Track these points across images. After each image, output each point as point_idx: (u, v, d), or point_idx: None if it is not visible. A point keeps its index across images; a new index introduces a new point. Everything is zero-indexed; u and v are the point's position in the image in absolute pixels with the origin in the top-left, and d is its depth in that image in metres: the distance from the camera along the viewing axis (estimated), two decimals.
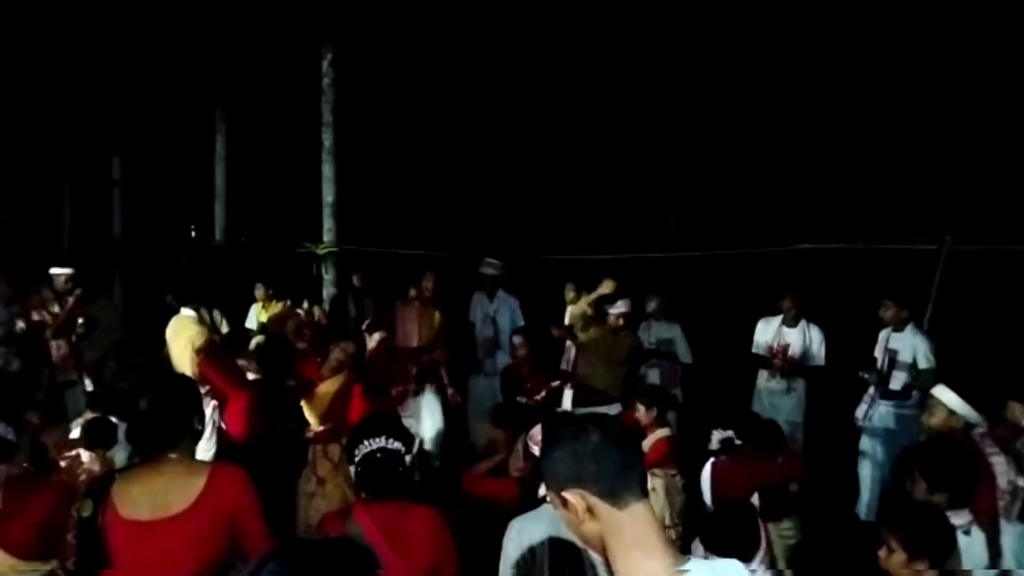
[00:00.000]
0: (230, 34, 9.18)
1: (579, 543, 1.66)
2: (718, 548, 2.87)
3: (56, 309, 6.95)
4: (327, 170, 8.54)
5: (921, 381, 5.73)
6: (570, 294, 7.74)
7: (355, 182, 9.37)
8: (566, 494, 1.58)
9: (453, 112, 11.31)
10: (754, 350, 6.93)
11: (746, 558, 2.88)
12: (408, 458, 2.95)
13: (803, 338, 6.66)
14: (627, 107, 11.30)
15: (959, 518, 3.01)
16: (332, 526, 2.85)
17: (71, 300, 6.95)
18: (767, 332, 6.84)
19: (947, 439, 3.50)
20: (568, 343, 7.30)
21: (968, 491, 3.13)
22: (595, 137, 11.88)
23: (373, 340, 5.64)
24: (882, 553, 2.71)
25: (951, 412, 3.64)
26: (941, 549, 2.68)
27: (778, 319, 6.82)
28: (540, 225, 12.05)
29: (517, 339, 6.74)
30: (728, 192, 11.92)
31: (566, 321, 7.46)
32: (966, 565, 2.85)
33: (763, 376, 6.81)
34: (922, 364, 5.92)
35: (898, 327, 6.12)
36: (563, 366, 7.23)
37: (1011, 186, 8.85)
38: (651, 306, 7.75)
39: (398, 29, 9.62)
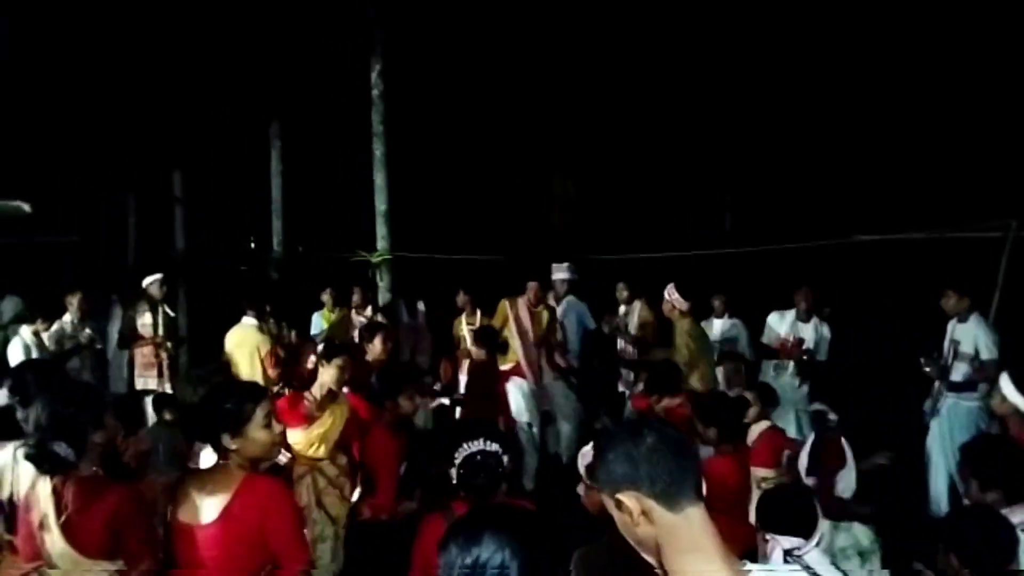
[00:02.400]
0: (282, 50, 9.38)
1: (633, 546, 1.65)
2: (772, 524, 2.86)
3: (148, 320, 7.23)
4: (379, 179, 8.65)
5: (985, 372, 5.61)
6: (623, 294, 7.73)
7: (407, 190, 9.48)
8: (621, 496, 1.58)
9: (503, 116, 11.35)
10: (764, 340, 6.93)
11: (804, 534, 2.86)
12: (506, 459, 2.99)
13: (815, 334, 6.72)
14: (679, 107, 11.21)
15: (1016, 516, 2.93)
16: (434, 529, 2.89)
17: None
18: (781, 325, 6.84)
19: (1002, 435, 3.43)
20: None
21: (1017, 491, 3.03)
22: (647, 138, 11.81)
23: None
24: (939, 557, 2.67)
25: (1004, 399, 3.61)
26: (997, 559, 2.60)
27: (792, 313, 6.83)
28: (592, 226, 12.03)
29: None
30: (783, 187, 11.73)
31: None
32: None
33: (770, 368, 6.81)
34: (984, 355, 5.76)
35: (962, 317, 5.95)
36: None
37: None
38: (716, 304, 7.70)
39: (445, 38, 9.71)
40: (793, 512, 2.93)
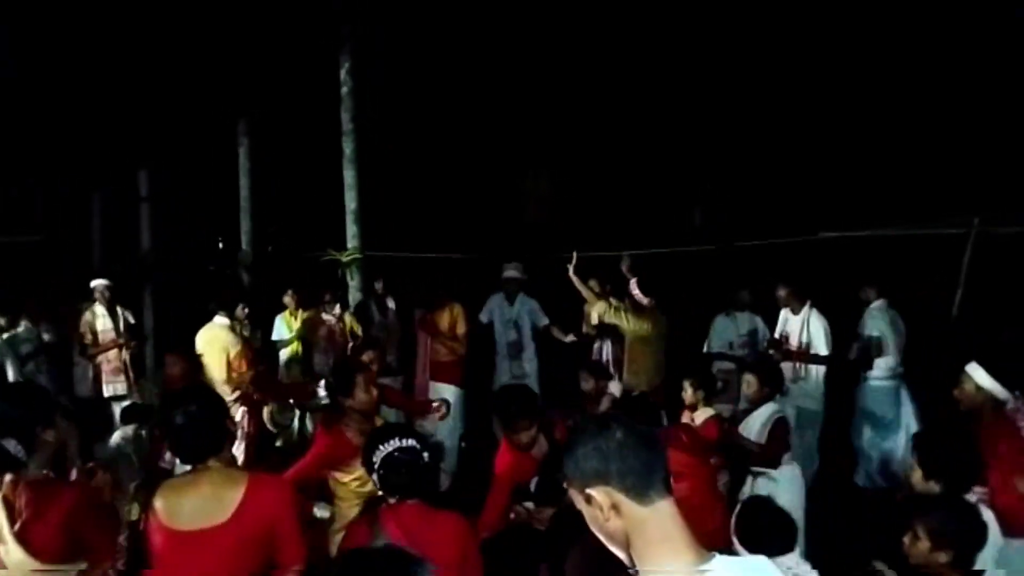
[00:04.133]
0: (249, 48, 9.29)
1: (602, 540, 1.66)
2: (749, 542, 2.87)
3: (102, 324, 7.15)
4: (349, 177, 8.61)
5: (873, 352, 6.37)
6: (595, 289, 7.73)
7: (377, 188, 9.43)
8: (591, 491, 1.59)
9: (474, 112, 11.33)
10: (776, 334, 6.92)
11: (782, 551, 2.88)
12: (426, 455, 2.99)
13: (802, 327, 6.56)
14: (646, 102, 11.25)
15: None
16: (359, 533, 2.89)
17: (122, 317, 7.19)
18: (781, 320, 6.84)
19: (952, 425, 3.51)
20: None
21: (965, 478, 3.10)
22: (616, 134, 11.85)
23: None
24: (907, 539, 2.71)
25: (979, 388, 3.67)
26: (967, 544, 2.66)
27: (785, 309, 6.80)
28: (562, 224, 12.05)
29: None
30: (752, 183, 11.83)
31: (593, 319, 7.45)
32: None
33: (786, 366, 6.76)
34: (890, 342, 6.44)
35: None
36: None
37: None
38: (743, 297, 7.66)
39: (414, 34, 9.67)
40: (773, 529, 2.96)
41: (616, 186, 12.43)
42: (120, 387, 7.05)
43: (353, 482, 3.79)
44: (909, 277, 6.57)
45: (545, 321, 7.73)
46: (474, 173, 12.29)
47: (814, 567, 2.93)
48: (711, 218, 12.62)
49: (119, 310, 7.35)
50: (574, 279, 6.49)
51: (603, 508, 1.58)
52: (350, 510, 3.77)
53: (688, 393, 4.99)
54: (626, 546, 1.59)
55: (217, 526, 2.57)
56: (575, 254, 6.52)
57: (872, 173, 10.26)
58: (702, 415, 4.94)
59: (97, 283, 7.32)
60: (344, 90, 8.58)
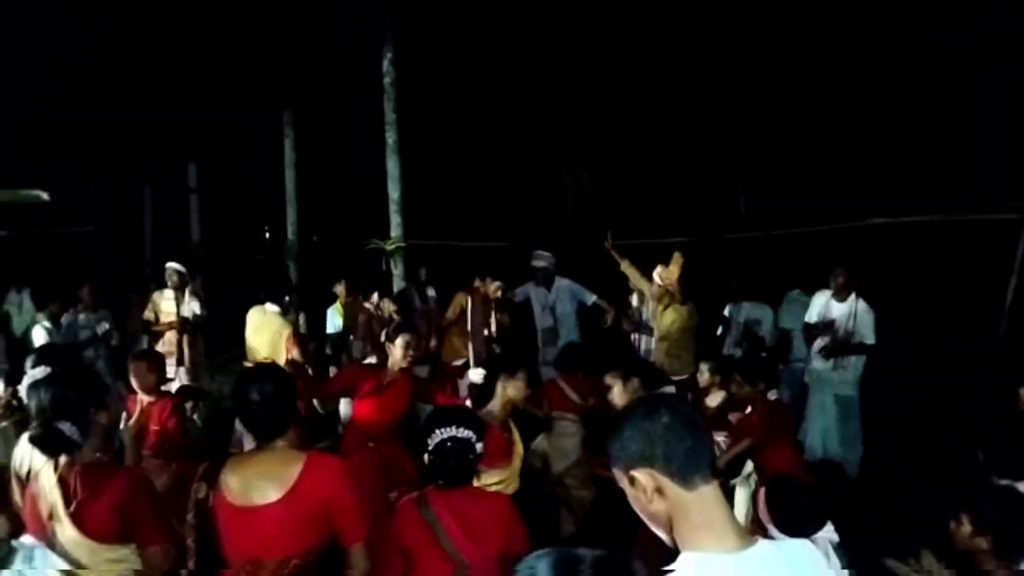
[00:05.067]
0: (293, 40, 9.39)
1: (644, 520, 1.67)
2: (785, 525, 2.85)
3: (167, 307, 7.32)
4: (392, 167, 8.68)
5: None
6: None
7: (420, 178, 9.50)
8: (635, 473, 1.59)
9: (515, 103, 11.32)
10: (807, 319, 6.78)
11: (818, 527, 2.87)
12: (479, 446, 3.03)
13: (849, 314, 6.42)
14: (692, 93, 11.13)
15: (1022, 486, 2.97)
16: (407, 512, 2.92)
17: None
18: (817, 305, 6.71)
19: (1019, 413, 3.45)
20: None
21: (1017, 466, 3.06)
22: (660, 125, 11.75)
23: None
24: (952, 524, 2.71)
25: None
26: (1009, 533, 2.63)
27: (828, 293, 6.65)
28: (605, 214, 11.99)
29: None
30: (797, 171, 11.64)
31: (634, 305, 7.43)
32: None
33: (815, 346, 6.64)
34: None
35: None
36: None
37: None
38: (733, 285, 7.66)
39: (457, 26, 9.68)
40: (806, 508, 2.94)
41: (657, 178, 12.34)
42: (171, 371, 7.19)
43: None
44: (960, 264, 6.40)
45: (592, 297, 7.71)
46: (515, 164, 12.30)
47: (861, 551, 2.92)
48: (756, 207, 12.46)
49: (187, 295, 7.50)
50: (615, 254, 6.53)
51: (647, 491, 1.58)
52: None
53: (704, 376, 5.21)
54: (669, 529, 1.60)
55: (273, 503, 2.63)
56: (609, 234, 6.56)
57: (923, 159, 10.03)
58: (716, 398, 5.09)
59: (169, 266, 7.47)
60: (387, 81, 8.65)
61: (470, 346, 7.14)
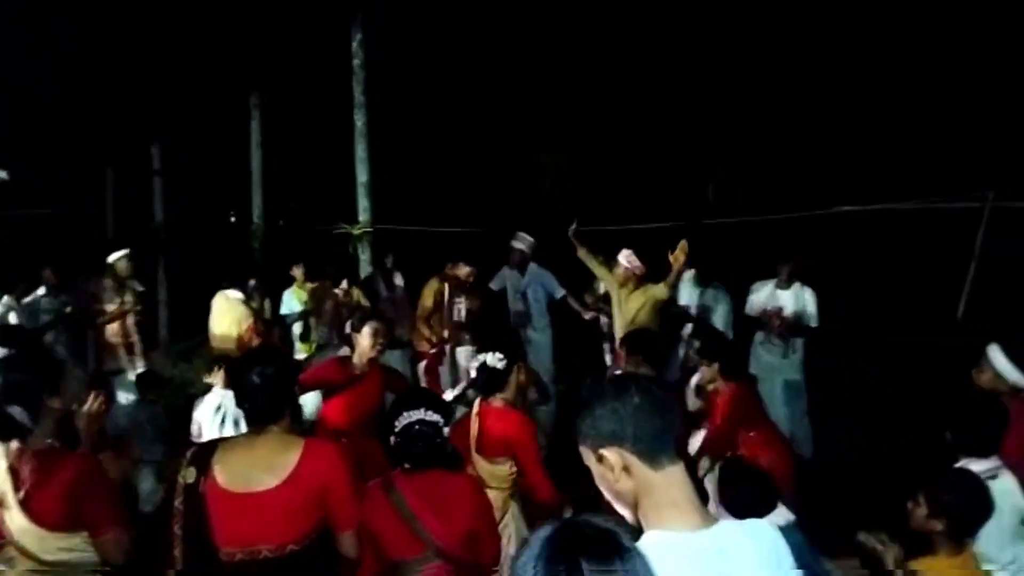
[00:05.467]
0: (261, 20, 9.25)
1: (609, 499, 1.68)
2: (736, 508, 2.89)
3: (115, 297, 7.16)
4: (360, 151, 8.60)
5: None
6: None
7: (389, 161, 9.41)
8: (604, 451, 1.61)
9: (487, 86, 11.27)
10: (747, 311, 6.98)
11: (769, 510, 2.90)
12: (446, 430, 3.03)
13: (796, 300, 6.71)
14: (663, 78, 11.16)
15: (982, 464, 3.03)
16: (374, 497, 2.92)
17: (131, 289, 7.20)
18: (761, 295, 6.89)
19: (983, 394, 3.51)
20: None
21: (986, 443, 3.12)
22: (632, 110, 11.76)
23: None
24: (910, 504, 2.77)
25: (998, 373, 3.62)
26: (964, 516, 2.70)
27: (772, 282, 6.87)
28: (576, 200, 11.99)
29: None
30: (767, 158, 11.74)
31: (601, 289, 7.45)
32: (999, 506, 2.86)
33: (759, 337, 6.85)
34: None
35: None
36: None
37: None
38: (696, 272, 7.70)
39: (427, 7, 9.59)
40: (756, 492, 2.98)
41: (629, 162, 12.37)
42: (120, 361, 7.05)
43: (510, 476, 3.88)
44: (924, 250, 6.51)
45: (561, 292, 7.71)
46: (487, 148, 12.25)
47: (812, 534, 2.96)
48: (724, 194, 12.55)
49: (129, 284, 7.34)
50: (575, 242, 6.55)
51: (614, 469, 1.60)
52: (500, 498, 3.84)
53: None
54: (634, 507, 1.62)
55: (271, 489, 2.62)
56: (576, 222, 6.57)
57: (890, 148, 10.16)
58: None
59: (116, 255, 7.31)
60: (356, 62, 8.54)
61: (446, 332, 7.09)
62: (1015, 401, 3.50)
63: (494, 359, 3.87)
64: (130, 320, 7.15)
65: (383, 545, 2.84)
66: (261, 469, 2.65)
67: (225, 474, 2.67)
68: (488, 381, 3.91)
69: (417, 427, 2.95)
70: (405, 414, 2.98)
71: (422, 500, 2.84)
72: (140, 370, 6.84)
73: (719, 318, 7.39)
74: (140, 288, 7.42)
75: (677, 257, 5.87)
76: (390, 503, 2.85)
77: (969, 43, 8.92)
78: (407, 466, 2.96)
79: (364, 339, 4.63)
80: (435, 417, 2.99)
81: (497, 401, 3.93)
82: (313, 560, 2.68)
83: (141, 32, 9.23)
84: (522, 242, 7.72)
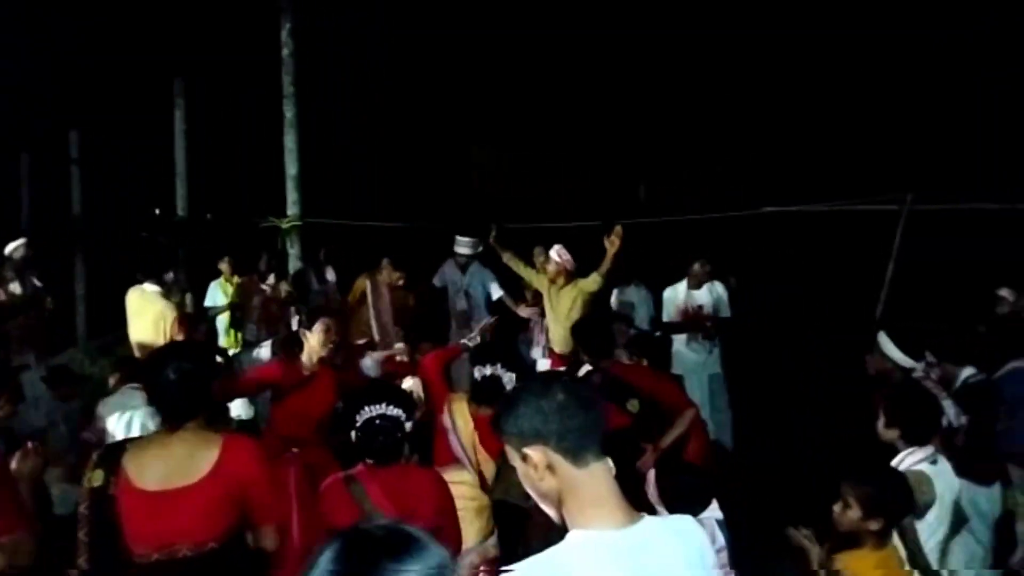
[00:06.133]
0: (187, 4, 8.98)
1: (534, 498, 1.67)
2: (673, 503, 2.91)
3: (15, 288, 6.83)
4: (289, 142, 8.42)
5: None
6: (540, 258, 7.72)
7: (320, 154, 9.25)
8: (528, 450, 1.60)
9: (420, 78, 11.17)
10: (666, 318, 7.11)
11: (704, 506, 2.94)
12: (408, 425, 3.01)
13: (711, 296, 6.89)
14: (596, 77, 11.24)
15: (923, 452, 3.13)
16: (335, 491, 2.91)
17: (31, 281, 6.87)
18: (676, 298, 7.04)
19: (912, 381, 3.66)
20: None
21: (925, 431, 3.24)
22: (564, 107, 11.82)
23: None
24: (837, 508, 2.77)
25: (885, 356, 3.89)
26: (897, 512, 2.76)
27: (683, 284, 7.02)
28: (509, 193, 12.00)
29: None
30: (696, 159, 11.94)
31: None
32: (940, 491, 2.99)
33: (680, 340, 6.94)
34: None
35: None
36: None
37: (971, 144, 8.95)
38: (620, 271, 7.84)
39: None
40: (693, 488, 3.01)
41: (563, 160, 12.44)
42: (29, 356, 6.73)
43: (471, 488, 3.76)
44: (846, 251, 6.72)
45: (499, 293, 7.69)
46: (420, 140, 12.16)
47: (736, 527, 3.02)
48: (655, 193, 12.73)
49: (28, 277, 6.99)
50: (496, 247, 6.55)
51: (538, 467, 1.59)
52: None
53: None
54: (558, 506, 1.61)
55: (190, 486, 2.57)
56: (493, 226, 6.56)
57: (815, 150, 10.45)
58: None
59: (13, 246, 6.95)
60: (285, 52, 8.35)
61: (374, 327, 7.02)
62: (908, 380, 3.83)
63: (509, 378, 3.76)
64: (37, 314, 6.85)
65: None
66: (178, 466, 2.59)
67: (139, 474, 2.60)
68: (490, 393, 3.79)
69: (379, 422, 2.94)
70: (366, 408, 2.96)
71: (385, 495, 2.84)
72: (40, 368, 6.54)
73: (641, 316, 7.50)
74: (37, 282, 7.06)
75: (613, 242, 5.88)
76: (352, 498, 2.85)
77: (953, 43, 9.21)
78: (370, 462, 2.95)
79: (314, 336, 4.33)
80: (396, 412, 2.97)
81: (486, 410, 3.79)
82: (233, 558, 2.64)
83: (58, 11, 8.87)
84: (465, 246, 7.67)
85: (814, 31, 9.60)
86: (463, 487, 3.67)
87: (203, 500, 2.56)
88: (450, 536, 2.99)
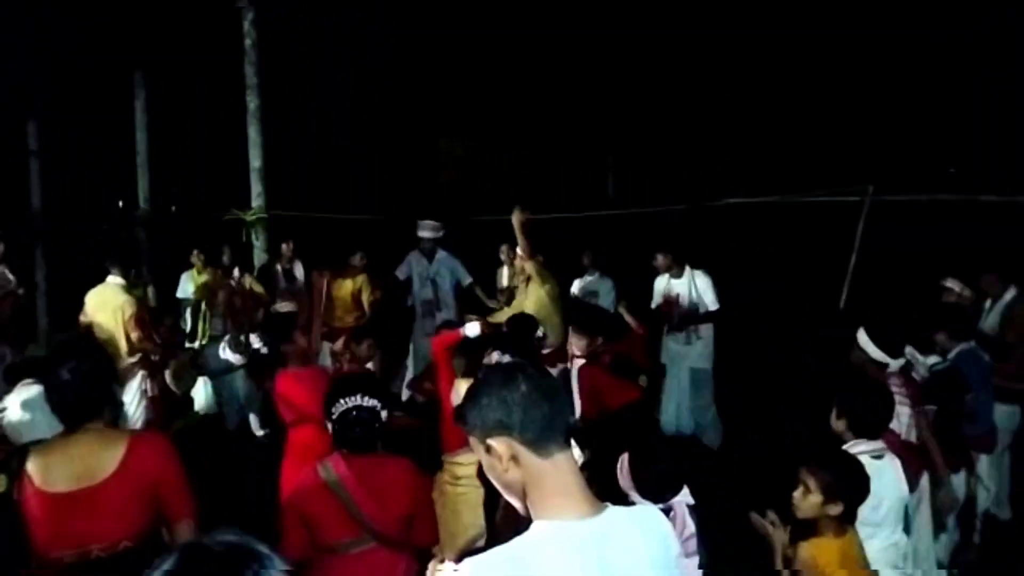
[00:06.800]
0: None
1: (499, 489, 1.67)
2: (645, 489, 2.91)
3: None
4: (253, 134, 8.32)
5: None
6: (508, 255, 7.73)
7: (283, 146, 9.15)
8: (491, 441, 1.59)
9: (387, 69, 11.09)
10: (653, 305, 7.06)
11: (675, 492, 2.95)
12: (384, 414, 3.03)
13: (689, 287, 6.72)
14: (563, 70, 11.24)
15: (868, 445, 3.17)
16: (310, 480, 2.91)
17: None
18: (660, 286, 6.98)
19: (871, 379, 3.71)
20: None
21: (873, 424, 3.28)
22: (534, 100, 11.81)
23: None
24: (797, 494, 2.81)
25: (863, 351, 3.89)
26: (856, 497, 2.80)
27: (667, 273, 6.93)
28: (475, 186, 11.98)
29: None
30: (662, 152, 12.01)
31: (504, 283, 7.46)
32: (881, 489, 3.00)
33: (666, 328, 6.92)
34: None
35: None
36: None
37: (932, 137, 9.11)
38: (584, 260, 7.87)
39: None
40: (666, 473, 3.02)
41: (531, 151, 12.45)
42: (3, 351, 6.62)
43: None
44: (808, 242, 6.79)
45: (469, 279, 7.67)
46: (386, 132, 12.08)
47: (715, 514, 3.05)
48: (623, 186, 12.79)
49: None
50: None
51: (502, 459, 1.59)
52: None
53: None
54: (523, 496, 1.61)
55: (98, 484, 2.49)
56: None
57: (778, 142, 10.56)
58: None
59: None
60: (248, 42, 8.24)
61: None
62: (881, 376, 3.82)
63: (500, 357, 3.79)
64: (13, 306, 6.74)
65: (318, 527, 2.82)
66: (84, 467, 2.52)
67: (43, 476, 2.51)
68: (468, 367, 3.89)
69: (355, 413, 2.95)
70: (342, 400, 2.97)
71: (360, 483, 2.84)
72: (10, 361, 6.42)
73: (605, 304, 7.52)
74: (10, 275, 6.95)
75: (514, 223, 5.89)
76: (326, 486, 2.85)
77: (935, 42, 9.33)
78: (345, 451, 2.96)
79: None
80: (372, 402, 2.98)
81: None
82: (151, 555, 2.56)
83: (15, 1, 8.66)
84: (428, 229, 7.61)
85: (778, 31, 9.69)
86: (472, 469, 3.79)
87: (112, 499, 2.50)
88: (424, 526, 3.01)
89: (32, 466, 2.54)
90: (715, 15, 9.82)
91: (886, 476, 3.12)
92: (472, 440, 1.66)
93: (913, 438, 3.82)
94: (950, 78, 9.10)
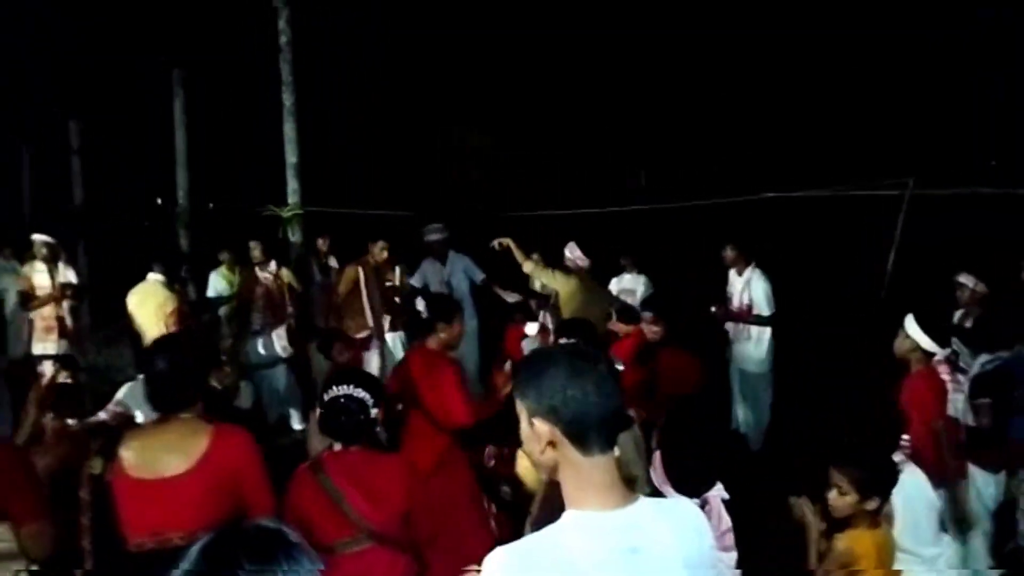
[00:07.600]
0: None
1: (527, 455, 1.67)
2: (679, 483, 2.91)
3: (40, 280, 6.86)
4: (289, 130, 8.41)
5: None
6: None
7: (319, 142, 9.22)
8: (537, 420, 1.59)
9: (418, 66, 11.13)
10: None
11: (709, 486, 2.94)
12: (375, 410, 3.00)
13: (745, 288, 6.46)
14: (595, 63, 11.20)
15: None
16: (303, 480, 2.91)
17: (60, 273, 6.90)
18: (730, 280, 6.77)
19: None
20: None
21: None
22: (563, 94, 11.78)
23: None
24: (832, 495, 2.79)
25: (909, 339, 3.82)
26: (888, 487, 2.80)
27: (733, 271, 6.70)
28: (507, 183, 11.99)
29: None
30: (696, 145, 11.90)
31: (537, 286, 7.42)
32: (911, 499, 2.97)
33: (730, 326, 6.72)
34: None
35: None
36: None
37: (973, 131, 8.92)
38: (622, 261, 7.82)
39: None
40: (699, 473, 3.01)
41: (558, 146, 12.41)
42: (51, 346, 6.79)
43: None
44: (848, 236, 6.68)
45: (481, 276, 7.60)
46: (416, 129, 12.13)
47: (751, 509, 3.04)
48: (655, 179, 12.69)
49: (60, 266, 7.04)
50: (517, 255, 6.44)
51: (541, 440, 1.58)
52: None
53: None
54: (554, 473, 1.60)
55: (181, 475, 2.57)
56: (498, 243, 6.47)
57: (817, 136, 10.41)
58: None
59: (36, 238, 6.99)
60: (283, 40, 8.33)
61: (368, 316, 6.99)
62: (927, 365, 3.80)
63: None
64: (65, 305, 6.89)
65: (313, 528, 2.81)
66: (170, 454, 2.60)
67: (132, 461, 2.61)
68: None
69: (342, 400, 2.94)
70: (333, 388, 2.98)
71: (349, 480, 2.84)
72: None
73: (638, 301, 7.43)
74: (73, 277, 7.11)
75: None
76: (318, 484, 2.84)
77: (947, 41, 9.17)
78: (336, 446, 2.96)
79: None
80: (362, 394, 2.97)
81: None
82: None
83: (63, 5, 8.85)
84: (435, 232, 7.56)
85: (818, 23, 9.55)
86: None
87: (193, 490, 2.57)
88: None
89: (125, 450, 2.64)
90: (746, 10, 9.73)
91: (915, 488, 3.11)
92: (519, 405, 1.65)
93: (970, 421, 3.77)
94: (964, 75, 8.90)
